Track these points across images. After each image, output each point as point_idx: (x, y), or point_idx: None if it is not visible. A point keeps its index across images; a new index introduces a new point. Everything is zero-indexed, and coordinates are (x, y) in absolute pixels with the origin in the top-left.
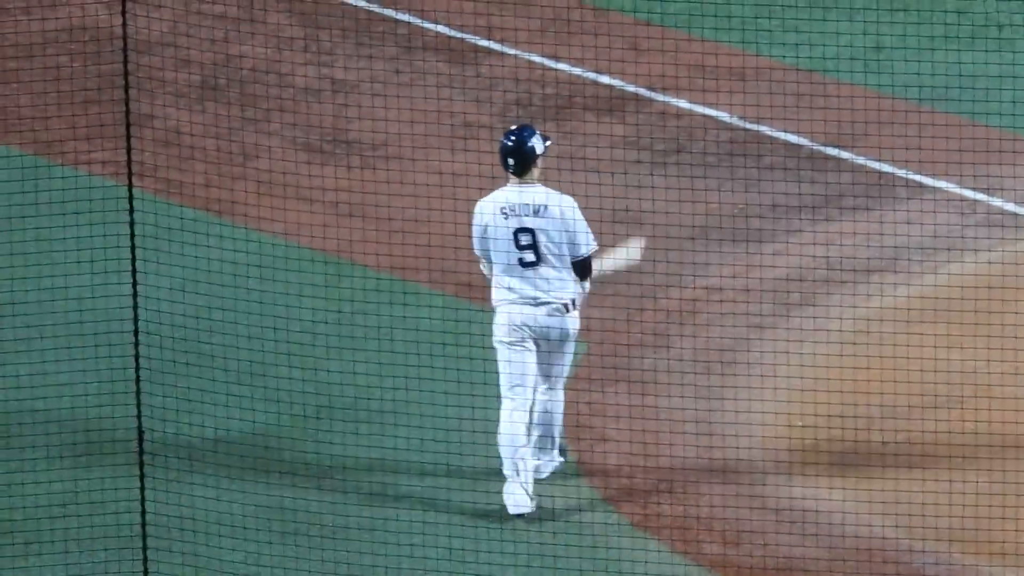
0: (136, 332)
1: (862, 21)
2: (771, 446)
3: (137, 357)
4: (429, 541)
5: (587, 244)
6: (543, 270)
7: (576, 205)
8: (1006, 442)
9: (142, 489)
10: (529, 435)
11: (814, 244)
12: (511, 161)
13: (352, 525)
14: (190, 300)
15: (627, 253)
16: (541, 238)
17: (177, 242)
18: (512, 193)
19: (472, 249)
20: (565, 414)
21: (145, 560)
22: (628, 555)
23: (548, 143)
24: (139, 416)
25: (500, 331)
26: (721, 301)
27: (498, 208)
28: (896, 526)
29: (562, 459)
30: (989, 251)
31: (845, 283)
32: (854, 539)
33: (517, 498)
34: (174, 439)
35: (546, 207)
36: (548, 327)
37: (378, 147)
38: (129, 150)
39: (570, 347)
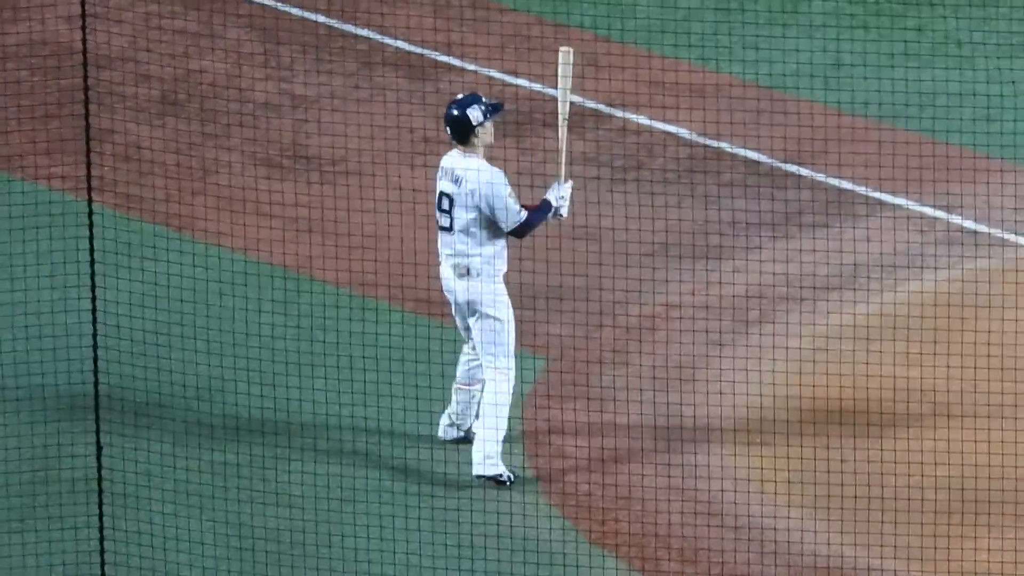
0: (95, 347)
1: (821, 38)
2: (730, 463)
3: (96, 372)
4: (386, 558)
5: (506, 221)
6: (456, 236)
7: (502, 181)
8: (965, 461)
9: (100, 505)
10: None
11: (773, 261)
12: (448, 129)
13: (310, 542)
14: (149, 315)
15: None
16: (456, 206)
17: (136, 257)
18: (450, 158)
19: None
20: (507, 417)
21: None
22: (586, 572)
23: (494, 115)
24: (97, 431)
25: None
26: (680, 318)
27: (440, 168)
28: (855, 544)
29: (490, 461)
30: (948, 269)
31: (804, 300)
32: (812, 556)
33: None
34: (132, 454)
35: (464, 179)
36: (454, 291)
37: (337, 162)
38: (89, 165)
39: (486, 321)
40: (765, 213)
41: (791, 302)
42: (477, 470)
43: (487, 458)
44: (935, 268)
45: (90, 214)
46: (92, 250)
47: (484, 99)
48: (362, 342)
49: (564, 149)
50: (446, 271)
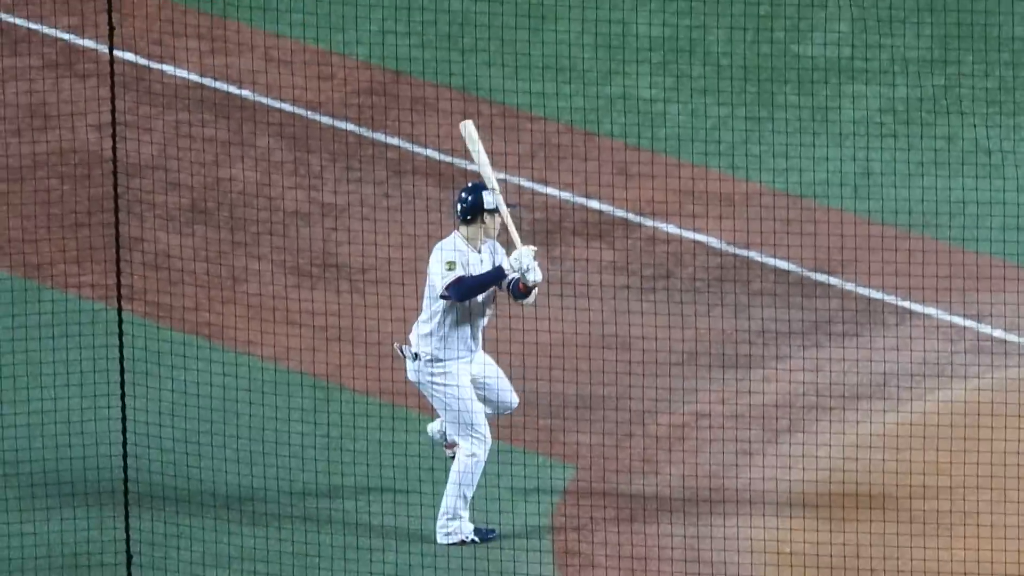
0: (125, 455)
1: (851, 147)
2: (760, 573)
3: (126, 480)
4: None
5: (438, 286)
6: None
7: (441, 247)
8: (994, 571)
9: None
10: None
11: (803, 370)
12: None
13: None
14: (179, 423)
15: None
16: (424, 288)
17: (166, 365)
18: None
19: None
20: (452, 495)
21: None
22: None
23: (491, 205)
24: (127, 539)
25: None
26: (709, 427)
27: None
28: None
29: (448, 533)
30: (977, 377)
31: (834, 409)
32: None
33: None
34: (162, 563)
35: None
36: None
37: (367, 271)
38: (119, 273)
39: (435, 401)
40: (794, 322)
41: (821, 411)
42: (440, 540)
43: (448, 533)
44: (964, 377)
45: (120, 322)
46: (122, 358)
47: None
48: (392, 450)
49: (506, 215)
50: None
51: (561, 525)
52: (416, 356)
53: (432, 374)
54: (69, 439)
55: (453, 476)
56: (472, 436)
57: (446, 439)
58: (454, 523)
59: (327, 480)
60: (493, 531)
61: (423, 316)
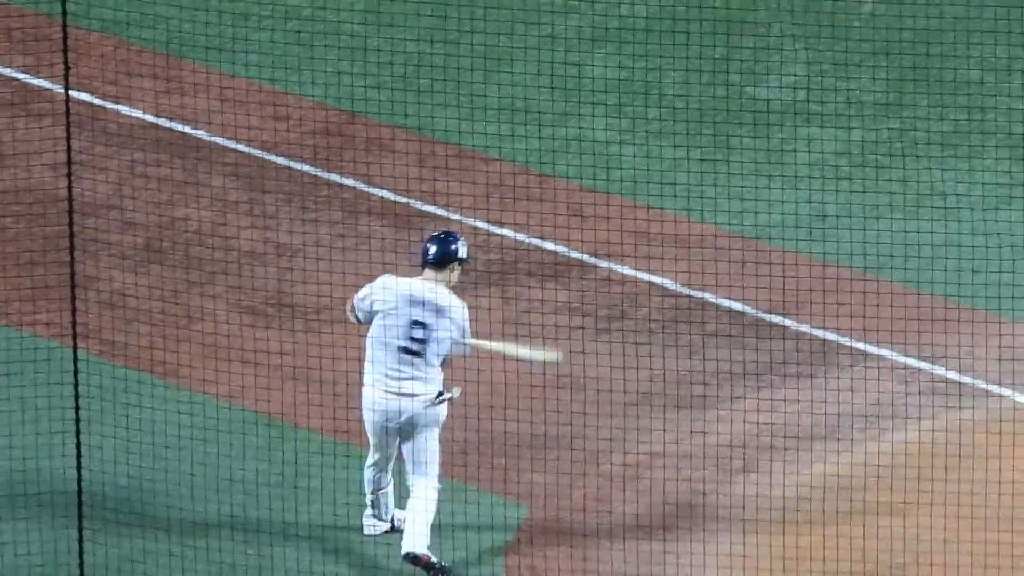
0: (79, 492)
1: (806, 189)
2: None
3: (80, 517)
4: None
5: (460, 352)
6: (426, 359)
7: (462, 304)
8: None
9: None
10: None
11: (756, 411)
12: (432, 253)
13: None
14: (133, 461)
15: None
16: (433, 333)
17: (121, 403)
18: (416, 285)
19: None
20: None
21: None
22: None
23: (468, 260)
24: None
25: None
26: (663, 466)
27: (399, 294)
28: None
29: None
30: (932, 419)
31: (788, 450)
32: None
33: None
34: None
35: (448, 311)
36: (398, 411)
37: (321, 311)
38: (74, 311)
39: (429, 440)
40: (749, 363)
41: (775, 451)
42: (407, 548)
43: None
44: (919, 418)
45: (75, 360)
46: (77, 396)
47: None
48: (345, 489)
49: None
50: (388, 391)
51: (514, 564)
52: (430, 396)
53: (440, 412)
54: (24, 475)
55: (430, 505)
56: (437, 474)
57: (385, 520)
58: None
59: (281, 517)
60: (449, 569)
61: (433, 361)
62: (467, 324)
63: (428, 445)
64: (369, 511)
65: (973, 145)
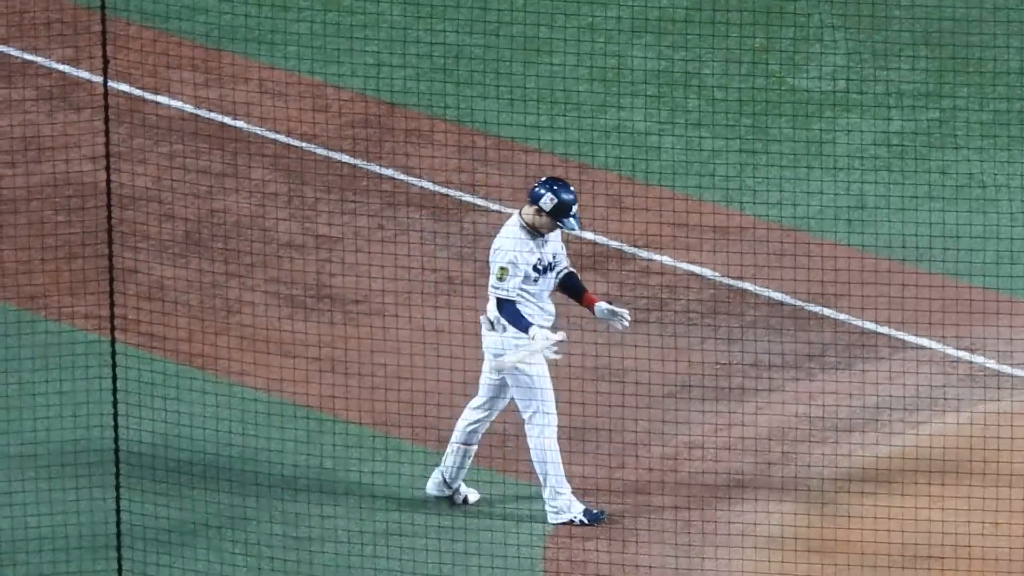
0: (117, 486)
1: (845, 179)
2: None
3: (118, 511)
4: None
5: (490, 284)
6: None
7: (500, 247)
8: None
9: None
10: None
11: (796, 402)
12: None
13: None
14: (172, 454)
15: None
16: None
17: (159, 396)
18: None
19: None
20: (544, 473)
21: None
22: None
23: (549, 205)
24: (119, 569)
25: None
26: (702, 459)
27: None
28: None
29: (557, 511)
30: (971, 410)
31: (826, 441)
32: None
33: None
34: None
35: (492, 246)
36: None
37: (361, 302)
38: (112, 304)
39: (520, 376)
40: (787, 354)
41: (813, 443)
42: (551, 519)
43: (556, 512)
44: (957, 409)
45: (113, 353)
46: (115, 389)
47: (572, 210)
48: (384, 481)
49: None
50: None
51: (553, 556)
52: (490, 324)
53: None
54: (62, 469)
55: (535, 455)
56: (549, 408)
57: (448, 488)
58: (561, 500)
59: (319, 510)
60: (602, 513)
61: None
62: (493, 267)
63: (521, 379)
64: (441, 467)
65: (1013, 135)
